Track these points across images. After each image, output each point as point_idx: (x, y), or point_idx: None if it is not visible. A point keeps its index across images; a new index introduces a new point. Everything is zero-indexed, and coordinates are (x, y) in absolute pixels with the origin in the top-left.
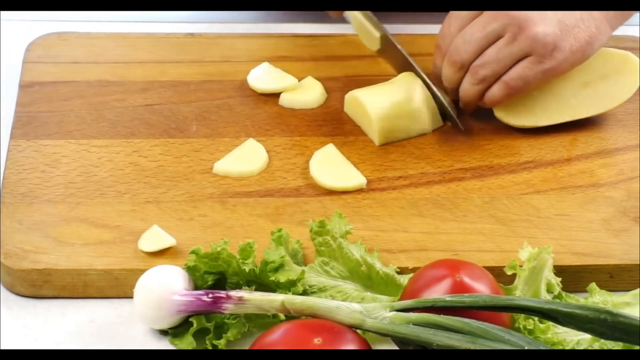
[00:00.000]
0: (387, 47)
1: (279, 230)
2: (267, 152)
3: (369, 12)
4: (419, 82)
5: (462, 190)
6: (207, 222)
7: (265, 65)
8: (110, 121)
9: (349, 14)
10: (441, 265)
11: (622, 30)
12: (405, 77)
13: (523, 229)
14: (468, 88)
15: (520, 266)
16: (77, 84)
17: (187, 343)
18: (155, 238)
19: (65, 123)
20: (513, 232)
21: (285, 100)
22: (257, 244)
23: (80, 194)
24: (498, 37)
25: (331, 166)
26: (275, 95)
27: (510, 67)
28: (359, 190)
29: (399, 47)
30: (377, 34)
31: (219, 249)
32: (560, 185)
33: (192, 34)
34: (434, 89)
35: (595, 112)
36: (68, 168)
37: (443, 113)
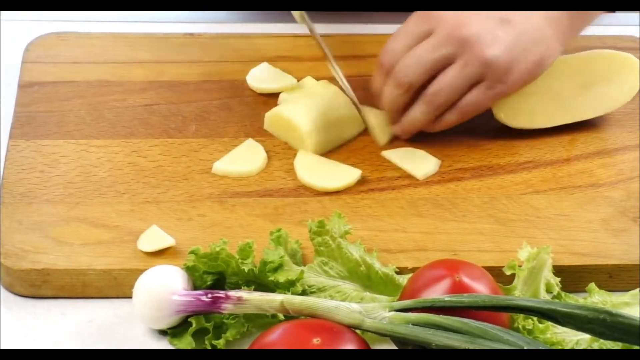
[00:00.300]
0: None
1: (278, 230)
2: (267, 152)
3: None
4: (335, 88)
5: (461, 190)
6: (206, 222)
7: (264, 65)
8: (110, 121)
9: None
10: (440, 265)
11: (621, 30)
12: (323, 85)
13: (522, 229)
14: (420, 117)
15: (520, 266)
16: (76, 84)
17: (186, 343)
18: (154, 238)
19: (64, 123)
20: (512, 232)
21: (284, 100)
22: (256, 244)
23: (80, 194)
24: (448, 61)
25: (319, 168)
26: (275, 95)
27: (464, 93)
28: (358, 191)
29: (322, 43)
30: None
31: (218, 249)
32: (560, 185)
33: (191, 34)
34: (352, 94)
35: (595, 114)
36: (67, 168)
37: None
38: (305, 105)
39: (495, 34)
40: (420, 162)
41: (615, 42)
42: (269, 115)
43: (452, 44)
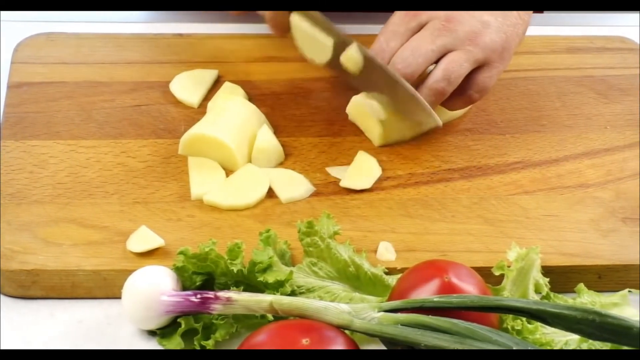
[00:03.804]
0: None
1: (267, 231)
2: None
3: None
4: (252, 106)
5: (451, 191)
6: (196, 223)
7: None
8: (99, 122)
9: (296, 26)
10: (429, 266)
11: (611, 31)
12: (241, 104)
13: (511, 230)
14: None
15: (508, 267)
16: (65, 85)
17: (176, 343)
18: (143, 238)
19: (53, 124)
20: (501, 233)
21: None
22: (245, 244)
23: (69, 195)
24: (446, 50)
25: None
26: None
27: (468, 78)
28: (347, 191)
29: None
30: (329, 42)
31: (207, 249)
32: (549, 185)
33: (180, 35)
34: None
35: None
36: (56, 169)
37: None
38: (221, 124)
39: (485, 19)
40: (291, 186)
41: (605, 43)
42: (187, 139)
43: (448, 36)
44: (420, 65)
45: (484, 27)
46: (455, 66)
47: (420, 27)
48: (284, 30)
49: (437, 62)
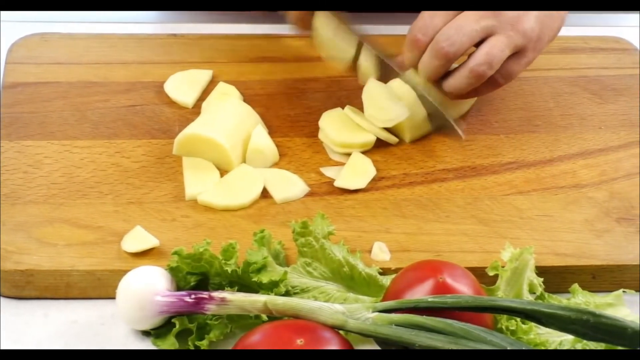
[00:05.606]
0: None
1: (262, 231)
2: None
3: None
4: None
5: (445, 191)
6: (190, 223)
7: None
8: (93, 122)
9: (319, 27)
10: (424, 266)
11: (606, 31)
12: (236, 104)
13: (505, 230)
14: (461, 85)
15: (503, 267)
16: (59, 85)
17: (170, 344)
18: (138, 239)
19: (47, 124)
20: (495, 233)
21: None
22: (239, 244)
23: (63, 195)
24: (488, 33)
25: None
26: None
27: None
28: (341, 191)
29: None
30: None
31: (201, 249)
32: (543, 186)
33: (174, 35)
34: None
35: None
36: (51, 169)
37: None
38: (215, 123)
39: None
40: (285, 186)
41: (599, 43)
42: (182, 139)
43: (491, 18)
44: (464, 44)
45: (524, 14)
46: (497, 51)
47: None
48: (307, 27)
49: (476, 44)
